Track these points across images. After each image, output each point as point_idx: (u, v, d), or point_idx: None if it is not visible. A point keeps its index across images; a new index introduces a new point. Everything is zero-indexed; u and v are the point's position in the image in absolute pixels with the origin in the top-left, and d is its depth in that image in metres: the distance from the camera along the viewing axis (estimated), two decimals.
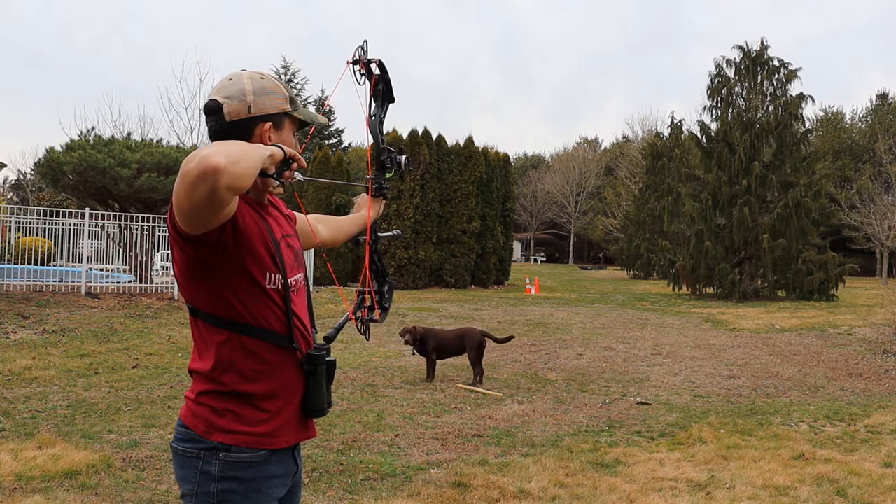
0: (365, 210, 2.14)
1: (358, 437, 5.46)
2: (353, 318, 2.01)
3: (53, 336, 9.63)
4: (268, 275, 1.69)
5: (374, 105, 2.05)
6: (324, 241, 2.19)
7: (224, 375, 1.67)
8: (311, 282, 14.58)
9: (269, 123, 1.74)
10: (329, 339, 1.88)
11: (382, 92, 2.06)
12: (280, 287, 1.72)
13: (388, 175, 2.12)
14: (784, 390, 7.88)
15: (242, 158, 1.46)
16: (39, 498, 4.00)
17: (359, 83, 2.01)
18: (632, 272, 37.91)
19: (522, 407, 6.71)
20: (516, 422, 6.12)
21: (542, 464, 4.84)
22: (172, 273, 1.68)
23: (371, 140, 2.08)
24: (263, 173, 1.59)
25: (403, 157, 2.11)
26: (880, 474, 4.73)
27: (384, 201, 2.18)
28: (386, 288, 2.07)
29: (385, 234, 2.23)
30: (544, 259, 65.43)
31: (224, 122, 1.71)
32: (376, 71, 2.03)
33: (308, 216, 2.14)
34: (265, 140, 1.73)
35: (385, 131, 2.12)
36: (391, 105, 2.10)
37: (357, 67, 2.01)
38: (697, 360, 9.93)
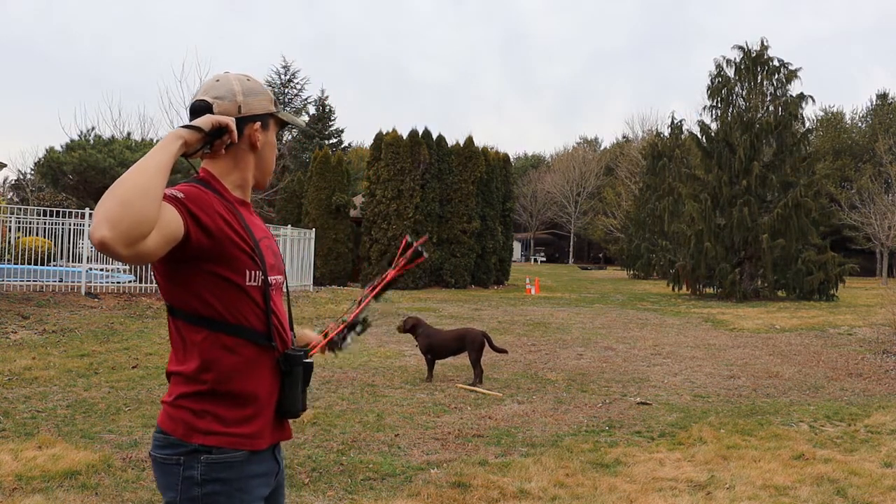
0: (303, 336, 2.05)
1: (358, 437, 5.46)
2: (325, 340, 1.98)
3: (53, 336, 9.63)
4: (247, 272, 1.68)
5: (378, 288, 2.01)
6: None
7: (204, 374, 1.66)
8: (310, 282, 14.44)
9: (258, 123, 1.78)
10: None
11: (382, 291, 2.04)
12: (260, 284, 1.71)
13: (349, 340, 2.03)
14: (784, 390, 7.88)
15: (128, 206, 1.38)
16: (39, 498, 3.99)
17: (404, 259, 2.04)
18: (632, 272, 37.92)
19: (522, 407, 6.71)
20: (516, 422, 6.12)
21: (542, 464, 4.84)
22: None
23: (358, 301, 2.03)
24: (185, 155, 1.61)
25: (367, 326, 2.05)
26: (880, 474, 4.73)
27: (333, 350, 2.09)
28: (347, 332, 2.01)
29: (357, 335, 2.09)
30: (544, 259, 65.44)
31: None
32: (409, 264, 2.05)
33: None
34: (254, 139, 1.77)
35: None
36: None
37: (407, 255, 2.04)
38: (697, 360, 9.92)
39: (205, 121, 1.64)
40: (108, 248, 1.37)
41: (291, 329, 1.87)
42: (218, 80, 1.77)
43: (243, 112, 1.75)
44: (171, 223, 1.50)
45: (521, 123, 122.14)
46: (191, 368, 1.67)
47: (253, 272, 1.69)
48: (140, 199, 1.41)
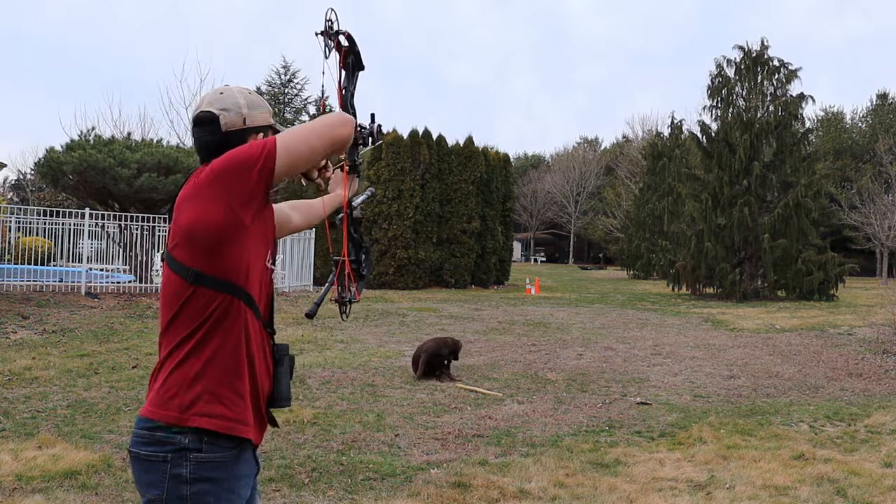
0: (339, 189, 2.17)
1: (358, 437, 5.46)
2: (336, 297, 2.03)
3: (53, 336, 9.64)
4: (269, 254, 1.81)
5: (343, 77, 2.04)
6: (297, 226, 2.27)
7: (211, 340, 1.69)
8: (310, 282, 14.46)
9: (261, 135, 1.86)
10: (310, 315, 1.95)
11: (352, 63, 2.05)
12: (271, 269, 1.83)
13: (363, 151, 2.10)
14: (784, 390, 7.88)
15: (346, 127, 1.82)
16: (39, 498, 4.00)
17: (326, 56, 2.02)
18: (632, 272, 37.90)
19: (522, 407, 6.71)
20: (516, 422, 6.12)
21: (542, 464, 4.84)
22: (186, 232, 1.71)
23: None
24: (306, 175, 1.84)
25: (377, 124, 2.09)
26: (880, 474, 4.73)
27: (357, 178, 2.18)
28: (363, 256, 2.10)
29: (359, 199, 2.18)
30: (544, 259, 65.38)
31: (220, 133, 1.81)
32: (345, 43, 2.02)
33: (279, 204, 2.19)
34: None
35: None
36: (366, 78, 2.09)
37: (325, 39, 2.00)
38: (697, 360, 9.92)
39: None
40: (349, 138, 1.78)
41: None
42: (222, 93, 1.86)
43: (248, 124, 1.84)
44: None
45: (522, 123, 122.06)
46: (195, 337, 1.69)
47: (270, 253, 1.83)
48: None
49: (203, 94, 1.92)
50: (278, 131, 1.91)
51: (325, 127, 1.72)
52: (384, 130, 2.10)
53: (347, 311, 2.05)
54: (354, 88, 2.08)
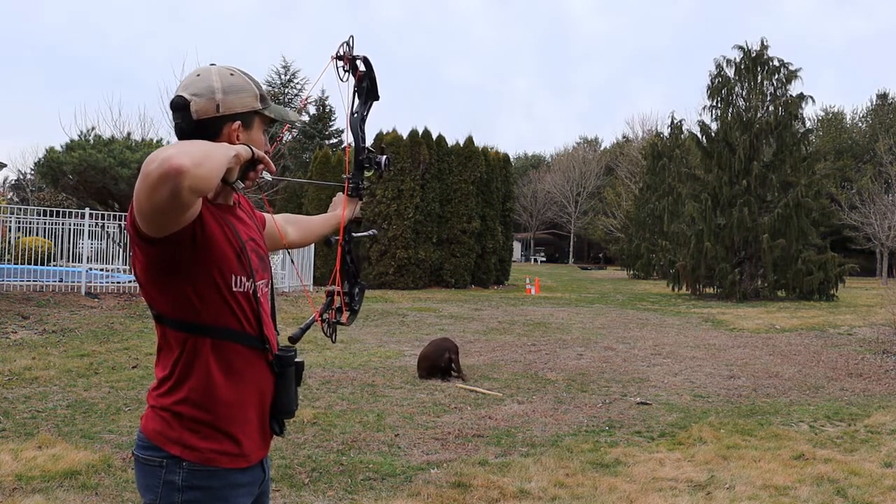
0: (339, 210, 2.07)
1: (358, 437, 5.46)
2: (320, 320, 1.93)
3: (53, 336, 9.63)
4: (233, 277, 1.64)
5: (357, 102, 2.00)
6: (291, 242, 2.13)
7: (187, 381, 1.63)
8: (310, 282, 14.41)
9: (238, 122, 1.68)
10: (294, 339, 1.85)
11: (367, 89, 2.00)
12: (246, 289, 1.68)
13: (368, 174, 2.04)
14: (784, 390, 7.88)
15: (206, 160, 1.41)
16: (39, 498, 4.00)
17: (342, 80, 1.95)
18: (632, 272, 37.93)
19: (522, 407, 6.71)
20: (516, 422, 6.12)
21: (542, 464, 4.84)
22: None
23: (351, 138, 2.02)
24: (225, 180, 1.54)
25: (384, 157, 2.04)
26: (880, 474, 4.73)
27: (360, 202, 2.11)
28: (356, 290, 2.00)
29: (360, 233, 2.14)
30: (544, 259, 65.39)
31: (191, 121, 1.65)
32: (361, 67, 1.98)
33: (276, 216, 2.10)
34: (233, 140, 1.67)
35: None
36: (377, 103, 2.05)
37: (341, 63, 1.95)
38: (697, 360, 9.92)
39: (256, 150, 1.64)
40: (178, 176, 1.36)
41: (276, 330, 1.84)
42: (199, 75, 1.68)
43: (222, 111, 1.66)
44: (198, 206, 1.54)
45: (522, 123, 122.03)
46: (174, 375, 1.64)
47: (239, 277, 1.65)
48: (215, 165, 1.45)
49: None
50: (268, 116, 1.77)
51: (140, 180, 1.43)
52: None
53: (334, 335, 1.97)
54: (367, 113, 2.03)
